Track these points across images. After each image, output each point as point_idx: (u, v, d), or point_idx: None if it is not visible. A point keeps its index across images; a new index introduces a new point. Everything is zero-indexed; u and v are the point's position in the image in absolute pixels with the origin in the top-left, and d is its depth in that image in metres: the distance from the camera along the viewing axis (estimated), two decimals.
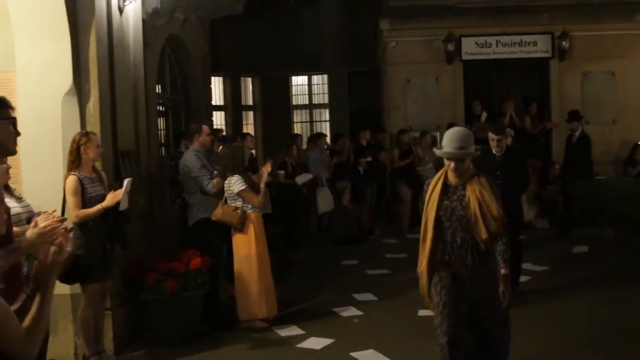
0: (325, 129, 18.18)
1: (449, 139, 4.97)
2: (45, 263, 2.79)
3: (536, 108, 14.56)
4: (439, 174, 5.15)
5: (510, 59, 15.06)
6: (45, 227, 3.18)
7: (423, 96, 14.99)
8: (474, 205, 4.87)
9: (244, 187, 7.47)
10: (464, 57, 15.03)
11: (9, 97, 3.61)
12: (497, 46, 14.97)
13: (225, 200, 7.60)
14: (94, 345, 6.42)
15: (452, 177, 5.04)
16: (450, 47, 14.83)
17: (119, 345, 6.93)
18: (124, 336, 7.09)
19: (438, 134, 14.14)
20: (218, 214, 7.54)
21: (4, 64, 6.80)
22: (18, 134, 3.50)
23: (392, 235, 13.33)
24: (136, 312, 7.28)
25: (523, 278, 9.27)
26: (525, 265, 9.87)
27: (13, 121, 3.45)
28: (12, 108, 3.47)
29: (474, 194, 4.92)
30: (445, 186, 5.05)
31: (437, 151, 5.18)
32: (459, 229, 4.96)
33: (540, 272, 9.80)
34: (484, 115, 14.53)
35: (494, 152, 8.05)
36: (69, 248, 3.01)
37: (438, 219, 5.01)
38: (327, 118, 18.86)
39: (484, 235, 4.86)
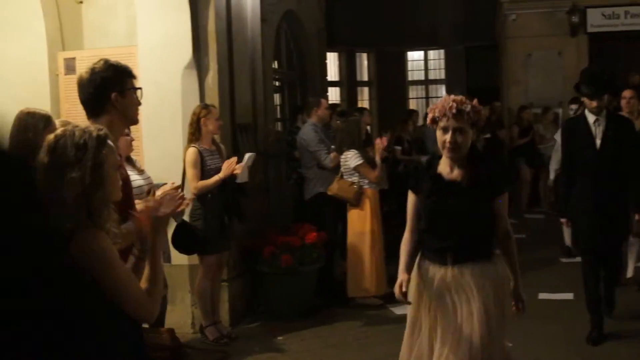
0: None
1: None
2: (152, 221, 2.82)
3: None
4: None
5: (639, 30, 14.27)
6: (163, 196, 3.18)
7: (544, 71, 14.43)
8: None
9: (360, 161, 7.38)
10: (590, 29, 14.35)
11: None
12: (625, 17, 14.21)
13: (342, 175, 7.53)
14: (210, 316, 6.52)
15: None
16: (575, 19, 14.19)
17: (234, 317, 7.02)
18: (240, 308, 7.17)
19: (560, 111, 13.60)
20: (334, 188, 7.48)
21: (127, 39, 6.95)
22: (139, 103, 3.55)
23: (510, 214, 12.89)
24: (252, 284, 7.35)
25: None
26: None
27: (137, 91, 3.51)
28: (135, 78, 3.53)
29: None
30: None
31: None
32: None
33: None
34: None
35: (588, 117, 6.17)
36: (184, 205, 3.03)
37: None
38: (444, 94, 18.46)
39: None
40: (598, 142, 6.02)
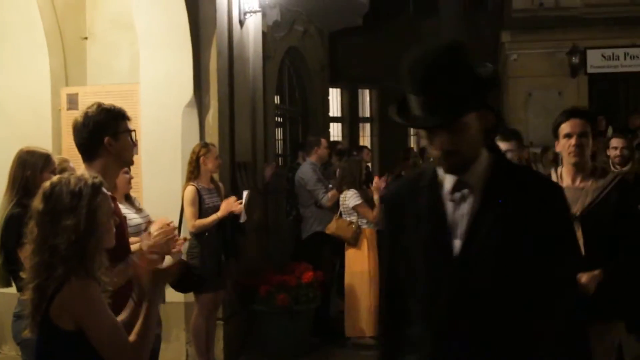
0: None
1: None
2: (150, 273, 2.82)
3: None
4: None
5: (639, 72, 14.37)
6: (158, 235, 3.20)
7: (545, 110, 14.43)
8: None
9: (359, 201, 7.41)
10: (590, 70, 14.47)
11: (133, 108, 3.74)
12: (625, 59, 14.33)
13: (340, 214, 7.56)
14: (205, 354, 6.50)
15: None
16: (575, 59, 14.30)
17: (229, 355, 6.99)
18: (234, 346, 7.15)
19: None
20: (332, 227, 7.51)
21: (129, 76, 7.03)
22: (135, 144, 3.58)
23: None
24: (247, 323, 7.33)
25: None
26: None
27: (131, 133, 3.54)
28: (129, 119, 3.55)
29: None
30: None
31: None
32: None
33: None
34: (610, 130, 13.86)
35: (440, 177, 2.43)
36: (175, 250, 3.07)
37: None
38: None
39: None
40: (458, 244, 2.31)
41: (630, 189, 3.95)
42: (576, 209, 3.67)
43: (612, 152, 6.06)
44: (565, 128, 3.88)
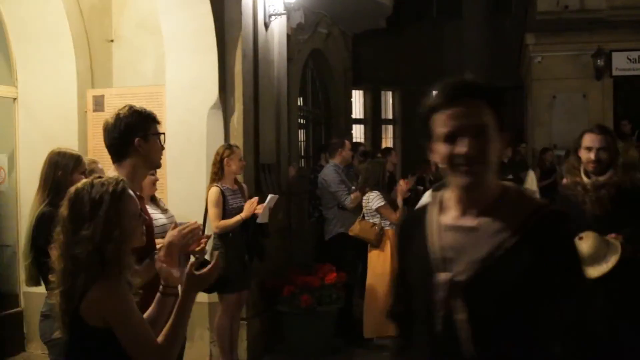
0: None
1: None
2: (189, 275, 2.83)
3: None
4: None
5: None
6: (182, 229, 3.24)
7: (569, 113, 14.41)
8: None
9: (382, 203, 7.42)
10: (615, 72, 14.35)
11: (159, 109, 3.79)
12: None
13: (363, 216, 7.58)
14: (228, 354, 6.54)
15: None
16: (600, 62, 14.20)
17: (252, 355, 7.04)
18: (258, 347, 7.19)
19: None
20: (356, 229, 7.53)
21: (154, 78, 7.11)
22: (163, 148, 3.64)
23: None
24: (271, 323, 7.37)
25: None
26: None
27: (160, 136, 3.59)
28: (159, 123, 3.61)
29: None
30: None
31: None
32: None
33: None
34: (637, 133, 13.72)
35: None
36: (198, 249, 3.11)
37: None
38: None
39: None
40: None
41: (568, 230, 2.13)
42: (459, 269, 2.02)
43: (583, 155, 4.26)
44: (443, 123, 2.12)
